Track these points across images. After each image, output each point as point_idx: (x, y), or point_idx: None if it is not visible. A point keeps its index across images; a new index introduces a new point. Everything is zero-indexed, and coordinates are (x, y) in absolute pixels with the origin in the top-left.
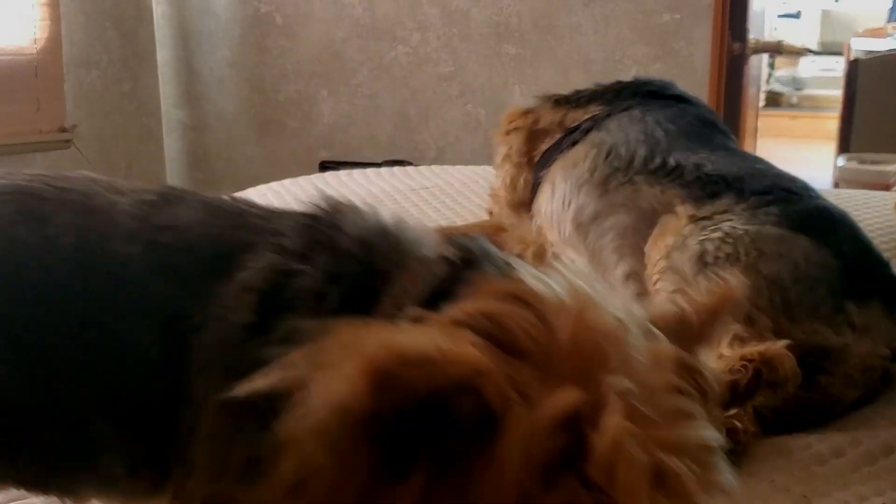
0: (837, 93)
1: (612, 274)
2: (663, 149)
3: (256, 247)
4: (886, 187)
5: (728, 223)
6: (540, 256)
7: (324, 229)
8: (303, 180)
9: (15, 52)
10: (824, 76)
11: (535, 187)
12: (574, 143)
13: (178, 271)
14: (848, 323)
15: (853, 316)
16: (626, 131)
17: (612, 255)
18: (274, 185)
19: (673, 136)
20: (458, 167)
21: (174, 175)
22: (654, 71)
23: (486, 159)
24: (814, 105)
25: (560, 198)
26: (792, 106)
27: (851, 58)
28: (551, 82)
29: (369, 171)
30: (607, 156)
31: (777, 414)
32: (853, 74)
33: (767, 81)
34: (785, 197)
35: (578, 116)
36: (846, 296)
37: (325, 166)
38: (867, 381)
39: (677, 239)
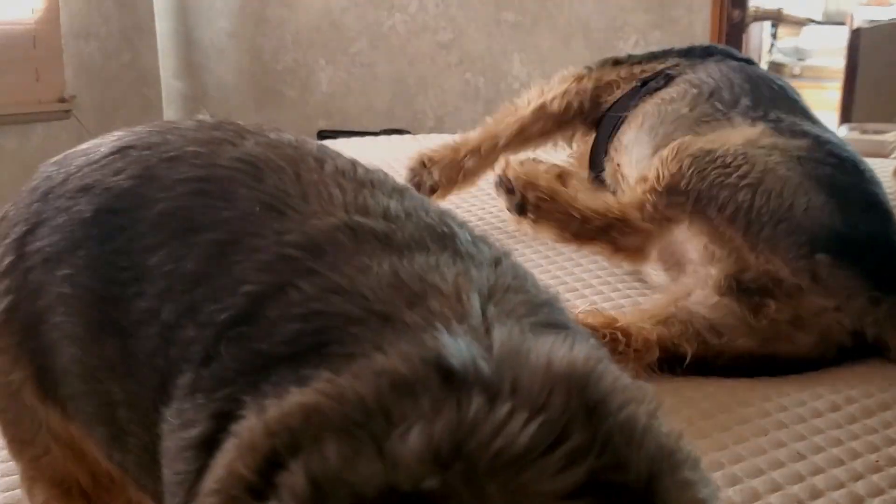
0: (840, 63)
1: None
2: (767, 104)
3: None
4: (887, 156)
5: (765, 152)
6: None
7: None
8: None
9: (13, 22)
10: (827, 47)
11: (614, 127)
12: (668, 82)
13: None
14: (810, 271)
15: (821, 267)
16: (728, 77)
17: None
18: None
19: (778, 94)
20: (456, 136)
21: None
22: (654, 39)
23: None
24: (817, 75)
25: (648, 128)
26: (795, 76)
27: (854, 27)
28: (551, 50)
29: (367, 140)
30: (710, 96)
31: (732, 359)
32: (856, 44)
33: (770, 52)
34: (851, 169)
35: (654, 67)
36: (825, 251)
37: (323, 135)
38: (823, 339)
39: (727, 137)
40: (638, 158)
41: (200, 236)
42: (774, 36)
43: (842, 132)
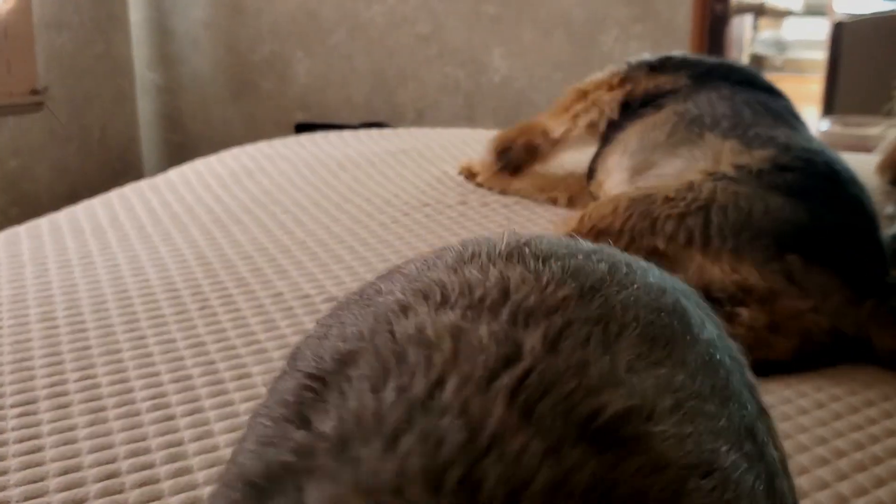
0: (821, 55)
1: None
2: (746, 124)
3: None
4: (869, 150)
5: (721, 182)
6: (573, 201)
7: None
8: (278, 143)
9: None
10: (808, 39)
11: (605, 144)
12: (658, 108)
13: None
14: (783, 272)
15: (793, 268)
16: (713, 105)
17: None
18: (249, 147)
19: (760, 114)
20: (437, 129)
21: (148, 138)
22: (636, 32)
23: (466, 122)
24: (798, 68)
25: (630, 153)
26: (776, 69)
27: (835, 20)
28: (532, 43)
29: (346, 133)
30: (690, 122)
31: None
32: (838, 36)
33: (751, 44)
34: (822, 170)
35: (663, 83)
36: (795, 251)
37: (301, 128)
38: (803, 341)
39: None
40: (617, 182)
41: None
42: (756, 28)
43: (823, 125)
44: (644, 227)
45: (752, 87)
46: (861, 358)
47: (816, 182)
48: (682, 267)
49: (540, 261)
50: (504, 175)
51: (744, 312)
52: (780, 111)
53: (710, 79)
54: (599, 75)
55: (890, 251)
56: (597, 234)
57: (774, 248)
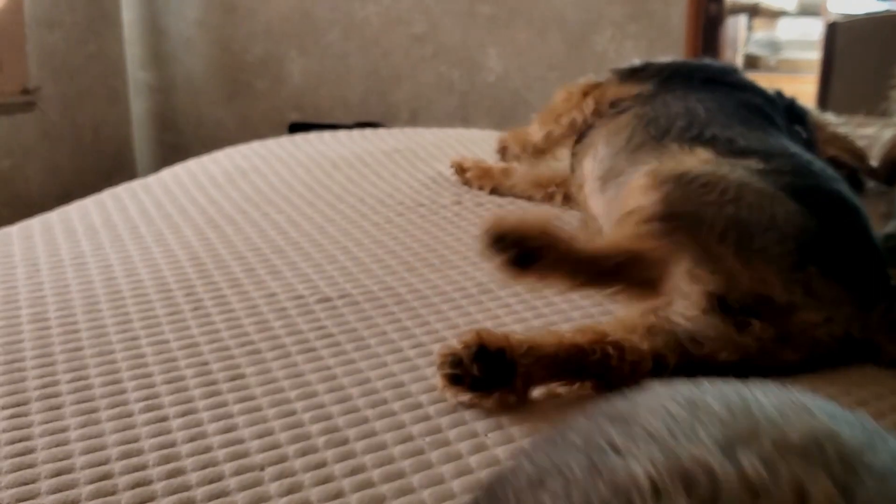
0: (815, 56)
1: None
2: (701, 122)
3: None
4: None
5: (728, 170)
6: (568, 199)
7: None
8: (272, 142)
9: None
10: (803, 39)
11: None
12: (621, 112)
13: None
14: (803, 284)
15: (812, 280)
16: (668, 106)
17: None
18: (243, 147)
19: (713, 112)
20: (431, 129)
21: (142, 138)
22: (631, 32)
23: (460, 122)
24: (792, 68)
25: (600, 160)
26: (770, 69)
27: (829, 20)
28: (527, 43)
29: (340, 133)
30: (646, 125)
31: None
32: (831, 37)
33: (745, 44)
34: (805, 173)
35: (630, 91)
36: (814, 261)
37: (294, 128)
38: (809, 351)
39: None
40: (592, 190)
41: None
42: (750, 28)
43: None
44: (692, 212)
45: (718, 84)
46: (861, 360)
47: (812, 184)
48: (711, 264)
49: (849, 469)
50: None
51: (756, 324)
52: (737, 106)
53: (672, 81)
54: (585, 79)
55: (884, 251)
56: (664, 217)
57: (797, 255)
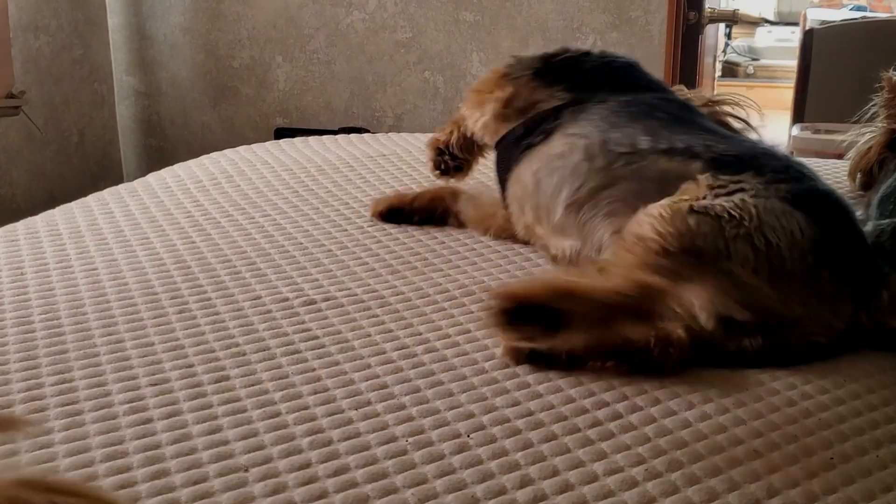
0: (793, 63)
1: (595, 236)
2: (665, 134)
3: None
4: (839, 156)
5: (740, 194)
6: (499, 235)
7: None
8: (258, 147)
9: None
10: (780, 46)
11: (503, 172)
12: (548, 135)
13: None
14: (816, 293)
15: (825, 284)
16: (609, 121)
17: (604, 220)
18: (228, 152)
19: (665, 122)
20: (415, 134)
21: (127, 143)
22: (612, 39)
23: None
24: (770, 75)
25: (548, 188)
26: (748, 76)
27: (807, 28)
28: (510, 50)
29: (326, 138)
30: (603, 144)
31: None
32: (808, 44)
33: (724, 51)
34: (797, 176)
35: (541, 99)
36: (826, 266)
37: (280, 133)
38: (808, 350)
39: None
40: (552, 222)
41: None
42: (728, 36)
43: (794, 131)
44: (721, 249)
45: (638, 90)
46: (854, 352)
47: (810, 190)
48: (738, 294)
49: None
50: (448, 178)
51: (759, 337)
52: (677, 110)
53: (587, 90)
54: (500, 67)
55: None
56: (684, 251)
57: (815, 265)
